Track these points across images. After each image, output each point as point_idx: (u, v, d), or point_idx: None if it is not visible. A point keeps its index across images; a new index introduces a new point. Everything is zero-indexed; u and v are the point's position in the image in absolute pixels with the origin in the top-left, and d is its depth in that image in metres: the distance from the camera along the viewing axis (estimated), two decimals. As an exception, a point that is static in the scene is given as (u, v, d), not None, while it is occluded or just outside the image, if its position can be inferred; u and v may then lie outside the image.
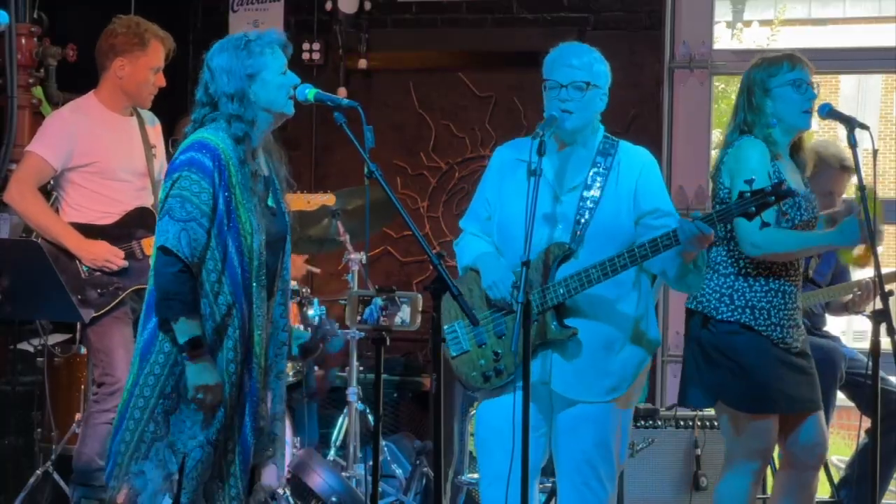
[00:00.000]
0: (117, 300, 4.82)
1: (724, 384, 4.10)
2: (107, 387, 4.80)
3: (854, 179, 4.47)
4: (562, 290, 3.76)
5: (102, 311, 4.79)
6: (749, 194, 3.59)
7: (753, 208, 3.58)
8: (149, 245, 4.80)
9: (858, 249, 4.35)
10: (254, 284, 3.63)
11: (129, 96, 4.94)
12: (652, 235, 3.71)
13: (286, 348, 3.81)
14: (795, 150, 4.18)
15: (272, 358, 3.77)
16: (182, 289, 3.56)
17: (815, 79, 4.13)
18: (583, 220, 3.80)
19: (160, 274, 3.59)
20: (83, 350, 5.28)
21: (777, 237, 4.01)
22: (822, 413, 4.23)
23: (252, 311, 3.64)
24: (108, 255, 4.80)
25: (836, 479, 5.50)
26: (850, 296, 5.09)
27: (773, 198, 3.57)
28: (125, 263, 4.82)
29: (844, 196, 5.14)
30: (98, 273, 4.80)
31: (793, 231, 4.06)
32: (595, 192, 3.82)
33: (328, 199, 5.37)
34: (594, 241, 3.77)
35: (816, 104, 4.11)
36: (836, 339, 5.48)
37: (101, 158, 4.85)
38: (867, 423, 4.76)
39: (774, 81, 4.09)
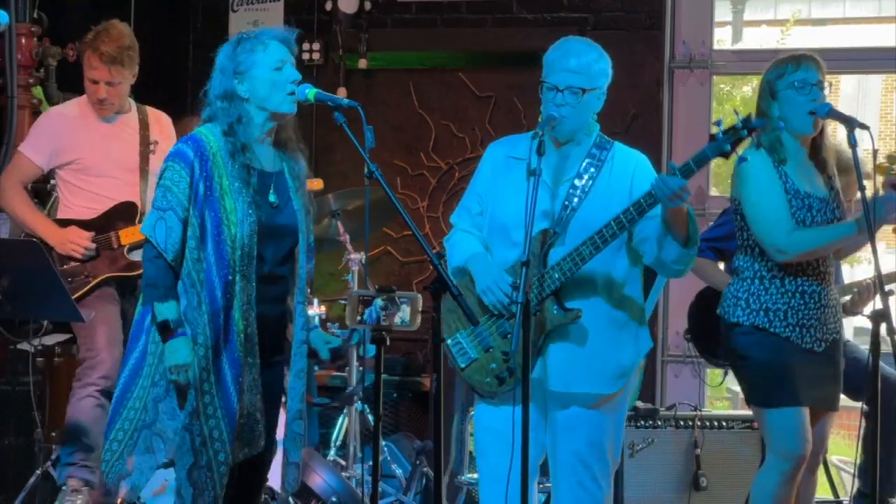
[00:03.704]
0: (88, 287, 4.90)
1: (745, 383, 4.15)
2: (88, 360, 4.89)
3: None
4: (556, 275, 3.74)
5: (78, 294, 4.86)
6: (721, 134, 3.55)
7: (728, 146, 3.54)
8: (126, 235, 4.94)
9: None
10: (237, 273, 3.65)
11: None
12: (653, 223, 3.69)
13: (305, 346, 3.81)
14: (815, 150, 4.16)
15: (292, 357, 3.79)
16: (157, 274, 3.66)
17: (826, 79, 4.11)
18: (570, 206, 3.78)
19: (144, 261, 3.73)
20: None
21: (801, 238, 4.02)
22: (833, 416, 4.23)
23: (233, 300, 3.65)
24: (74, 238, 4.88)
25: (836, 480, 5.50)
26: (849, 297, 5.08)
27: (745, 132, 3.52)
28: (92, 246, 4.89)
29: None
30: (71, 262, 4.89)
31: (814, 228, 4.07)
32: (586, 181, 3.80)
33: (316, 183, 5.35)
34: (581, 228, 3.74)
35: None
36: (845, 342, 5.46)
37: (83, 156, 4.93)
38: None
39: (780, 84, 4.08)
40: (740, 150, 3.56)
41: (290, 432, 3.84)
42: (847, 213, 4.24)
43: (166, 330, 3.64)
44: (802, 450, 4.07)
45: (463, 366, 3.89)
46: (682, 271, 3.83)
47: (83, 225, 4.93)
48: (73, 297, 4.78)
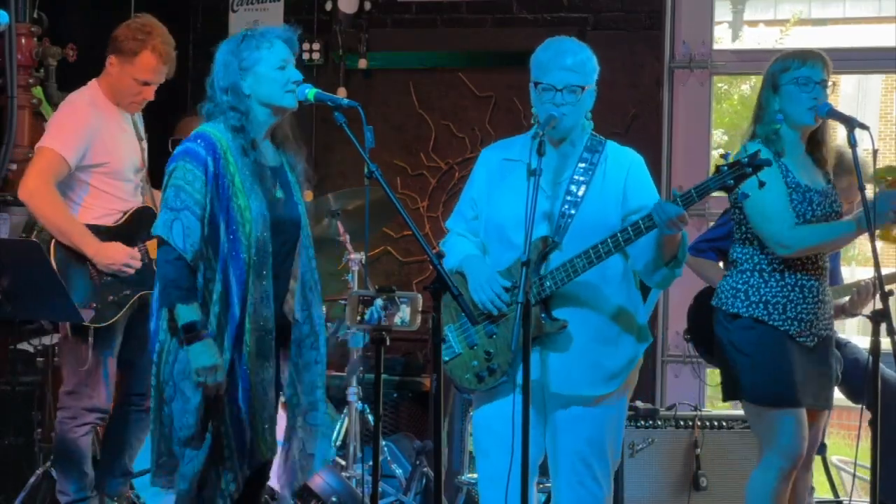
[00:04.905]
0: (127, 306, 4.75)
1: (740, 379, 4.12)
2: (84, 399, 4.74)
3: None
4: (548, 283, 3.75)
5: (116, 318, 4.71)
6: (726, 167, 3.58)
7: (731, 181, 3.57)
8: (153, 248, 4.75)
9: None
10: (251, 270, 3.65)
11: (111, 95, 4.82)
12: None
13: (310, 339, 3.81)
14: (815, 146, 4.17)
15: (300, 349, 3.80)
16: (178, 275, 3.62)
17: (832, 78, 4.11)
18: (567, 214, 3.79)
19: (159, 263, 3.67)
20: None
21: (804, 233, 4.03)
22: (826, 414, 4.24)
23: (246, 296, 3.65)
24: (126, 259, 4.70)
25: (836, 480, 5.49)
26: (848, 297, 5.08)
27: (749, 169, 3.55)
28: (139, 265, 4.74)
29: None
30: (110, 278, 4.71)
31: (816, 225, 4.07)
32: (581, 187, 3.81)
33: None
34: (579, 235, 3.75)
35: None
36: (845, 342, 5.47)
37: (112, 159, 4.76)
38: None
39: (784, 77, 4.09)
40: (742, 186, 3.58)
41: (308, 425, 3.83)
42: (848, 213, 4.25)
43: (191, 332, 3.61)
44: (802, 448, 4.09)
45: (446, 359, 3.90)
46: (660, 286, 3.87)
47: (109, 232, 4.73)
48: (115, 319, 4.70)
